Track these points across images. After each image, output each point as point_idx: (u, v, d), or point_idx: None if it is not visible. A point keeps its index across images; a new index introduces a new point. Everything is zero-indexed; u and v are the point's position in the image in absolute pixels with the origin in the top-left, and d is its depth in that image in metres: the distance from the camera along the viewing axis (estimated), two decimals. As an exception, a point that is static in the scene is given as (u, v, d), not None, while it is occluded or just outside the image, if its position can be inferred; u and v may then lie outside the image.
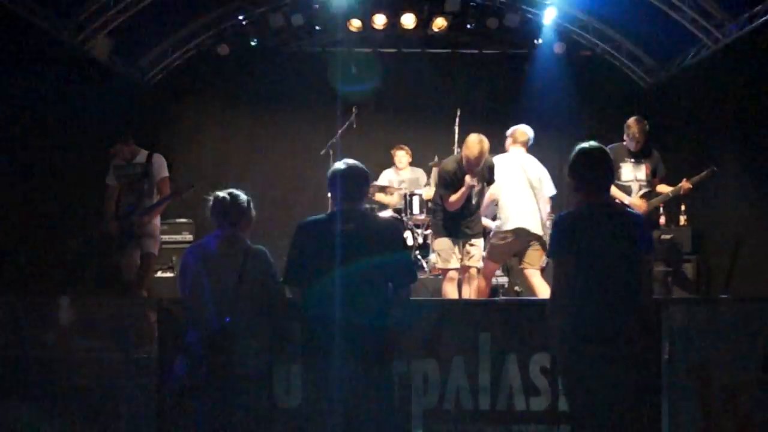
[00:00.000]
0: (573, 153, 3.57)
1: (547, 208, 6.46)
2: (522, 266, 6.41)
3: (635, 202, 6.24)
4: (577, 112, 10.01)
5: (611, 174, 3.58)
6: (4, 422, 4.54)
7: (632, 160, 6.42)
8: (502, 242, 6.28)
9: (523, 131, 6.50)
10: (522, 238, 6.21)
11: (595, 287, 3.33)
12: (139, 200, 6.13)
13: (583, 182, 3.47)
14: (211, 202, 4.06)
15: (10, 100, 6.44)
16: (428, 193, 7.20)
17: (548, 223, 6.36)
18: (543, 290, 6.12)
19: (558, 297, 3.40)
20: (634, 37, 9.41)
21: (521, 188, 6.27)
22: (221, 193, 4.10)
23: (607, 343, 3.32)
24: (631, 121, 6.38)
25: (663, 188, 6.41)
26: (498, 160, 6.35)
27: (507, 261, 7.80)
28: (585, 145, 3.60)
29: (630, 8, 8.55)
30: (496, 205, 6.40)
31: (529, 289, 6.44)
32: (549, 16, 9.06)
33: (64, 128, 7.35)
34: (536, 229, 6.23)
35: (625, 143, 6.46)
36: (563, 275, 3.36)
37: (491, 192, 6.31)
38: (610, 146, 6.16)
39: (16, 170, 6.48)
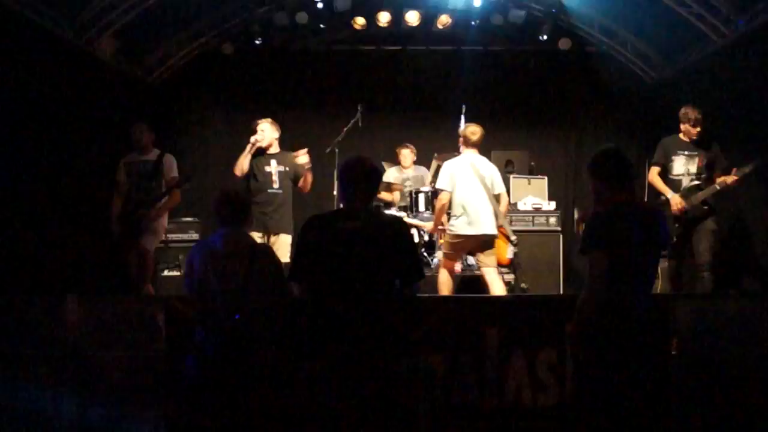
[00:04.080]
0: (594, 157, 3.75)
1: (503, 202, 6.54)
2: (477, 264, 6.56)
3: (674, 199, 6.22)
4: (582, 109, 10.01)
5: (631, 173, 3.74)
6: (13, 419, 4.56)
7: (686, 152, 6.37)
8: (456, 242, 6.40)
9: (474, 130, 6.45)
10: (473, 240, 6.33)
11: (624, 281, 3.50)
12: (147, 197, 6.17)
13: (608, 183, 3.66)
14: (215, 201, 4.09)
15: (15, 101, 6.46)
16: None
17: (505, 220, 6.67)
18: (497, 287, 6.34)
19: (595, 291, 3.49)
20: (640, 32, 9.37)
21: (474, 191, 6.30)
22: (225, 191, 4.13)
23: (631, 335, 3.48)
24: (686, 109, 6.30)
25: (719, 180, 6.20)
26: (449, 163, 6.47)
27: (515, 259, 7.85)
28: (604, 148, 3.81)
29: (635, 4, 8.52)
30: (448, 213, 6.53)
31: (483, 285, 6.53)
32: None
33: (69, 128, 7.36)
34: (488, 230, 6.30)
35: (681, 135, 6.40)
36: (599, 270, 3.47)
37: (440, 198, 6.44)
38: (664, 138, 6.50)
39: (21, 170, 6.49)
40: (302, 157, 6.46)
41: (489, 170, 6.45)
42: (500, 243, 6.76)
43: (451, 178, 6.32)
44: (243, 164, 6.43)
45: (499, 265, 6.94)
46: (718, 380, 4.42)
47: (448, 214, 6.51)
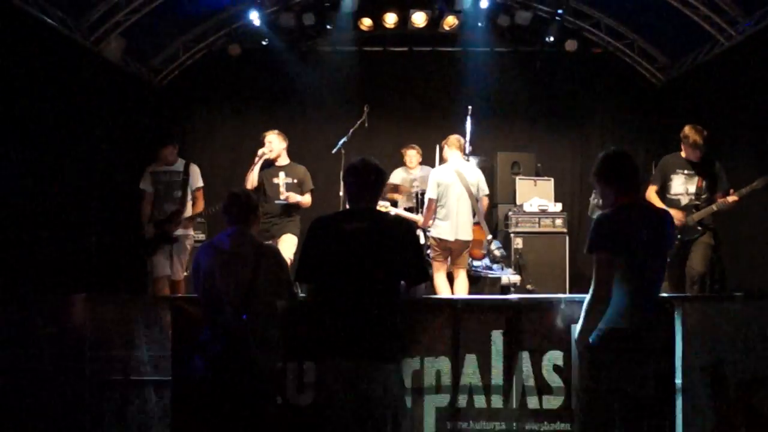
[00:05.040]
0: (599, 160, 3.73)
1: (483, 205, 6.86)
2: (451, 265, 6.79)
3: (671, 212, 5.97)
4: (588, 110, 10.00)
5: (637, 174, 3.72)
6: (21, 419, 4.58)
7: (685, 171, 6.13)
8: (440, 245, 6.68)
9: (457, 137, 6.91)
10: (454, 244, 6.61)
11: (631, 284, 3.49)
12: (177, 207, 6.47)
13: (614, 185, 3.65)
14: (224, 201, 4.10)
15: (23, 101, 6.48)
16: None
17: (484, 224, 6.93)
18: (461, 286, 6.70)
19: (600, 292, 3.49)
20: (647, 34, 9.37)
21: (457, 197, 6.60)
22: (235, 192, 4.14)
23: (638, 337, 3.48)
24: (688, 129, 6.02)
25: (719, 200, 5.98)
26: (436, 172, 6.84)
27: (519, 260, 7.86)
28: (608, 151, 3.78)
29: (642, 5, 8.51)
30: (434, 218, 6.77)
31: (451, 284, 6.81)
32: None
33: (76, 129, 7.39)
34: (467, 236, 6.64)
35: (682, 152, 6.17)
36: (605, 271, 3.48)
37: (427, 205, 6.77)
38: (665, 156, 6.34)
39: (29, 170, 6.52)
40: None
41: (475, 176, 6.77)
42: (475, 238, 6.97)
43: (437, 187, 6.66)
44: (253, 178, 6.62)
45: (474, 258, 7.39)
46: (724, 382, 4.41)
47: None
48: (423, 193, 7.93)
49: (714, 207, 5.98)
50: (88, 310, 4.71)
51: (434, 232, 6.70)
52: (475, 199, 6.68)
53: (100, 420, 4.60)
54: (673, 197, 6.20)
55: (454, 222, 6.58)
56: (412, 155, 8.51)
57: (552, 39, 9.32)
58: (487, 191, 6.87)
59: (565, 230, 8.32)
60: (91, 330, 4.69)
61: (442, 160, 7.16)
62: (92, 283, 7.03)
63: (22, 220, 6.36)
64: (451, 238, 6.58)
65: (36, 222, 6.55)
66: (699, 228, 6.06)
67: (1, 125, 6.17)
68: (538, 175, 9.29)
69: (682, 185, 6.17)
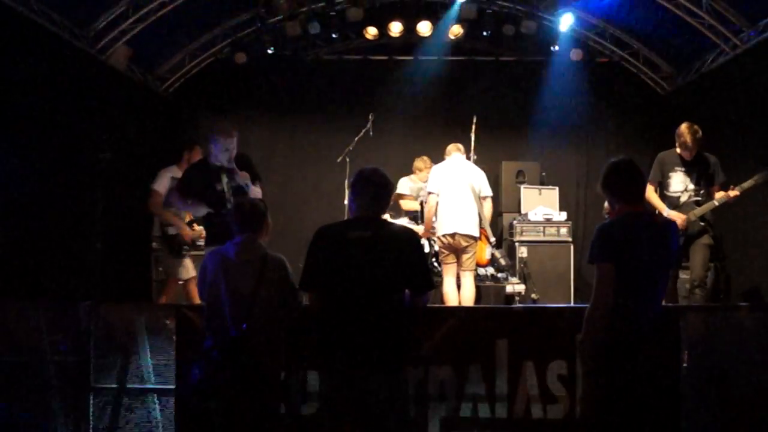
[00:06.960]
0: (605, 169, 3.73)
1: (488, 207, 6.87)
2: (459, 269, 6.77)
3: (672, 214, 5.95)
4: (594, 120, 9.99)
5: (643, 184, 3.72)
6: (24, 425, 4.58)
7: (683, 168, 6.11)
8: (443, 242, 6.69)
9: (456, 144, 7.08)
10: (457, 239, 6.60)
11: (634, 294, 3.48)
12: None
13: (618, 195, 3.66)
14: (231, 209, 4.10)
15: (29, 109, 6.51)
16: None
17: (487, 226, 6.92)
18: (467, 290, 6.68)
19: (600, 302, 3.48)
20: (652, 43, 9.38)
21: (458, 193, 6.66)
22: (241, 201, 4.15)
23: (641, 347, 3.48)
24: (683, 128, 6.00)
25: (718, 195, 5.99)
26: (437, 167, 6.93)
27: (523, 269, 7.85)
28: (615, 159, 3.76)
29: (647, 14, 8.52)
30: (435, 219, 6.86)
31: (458, 288, 6.79)
32: (565, 23, 8.99)
33: (82, 136, 7.41)
34: (470, 230, 6.62)
35: (677, 150, 6.12)
36: (606, 281, 3.46)
37: (429, 201, 6.82)
38: (661, 153, 6.29)
39: (36, 177, 6.54)
40: None
41: (476, 174, 6.83)
42: (480, 244, 7.02)
43: (438, 182, 6.72)
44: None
45: (479, 265, 7.30)
46: (729, 393, 4.40)
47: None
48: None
49: (715, 202, 5.99)
50: (93, 317, 4.72)
51: (438, 231, 6.73)
52: (478, 197, 6.71)
53: (104, 428, 4.60)
54: (673, 195, 6.19)
55: (454, 214, 6.60)
56: (424, 175, 8.37)
57: (557, 48, 9.33)
58: (488, 193, 6.87)
59: (569, 239, 8.32)
60: (95, 337, 4.69)
61: None
62: (97, 289, 7.05)
63: (28, 226, 6.38)
64: (451, 231, 6.58)
65: (42, 228, 6.57)
66: (702, 223, 6.06)
67: (7, 132, 6.21)
68: (542, 184, 9.29)
69: (681, 183, 6.15)
